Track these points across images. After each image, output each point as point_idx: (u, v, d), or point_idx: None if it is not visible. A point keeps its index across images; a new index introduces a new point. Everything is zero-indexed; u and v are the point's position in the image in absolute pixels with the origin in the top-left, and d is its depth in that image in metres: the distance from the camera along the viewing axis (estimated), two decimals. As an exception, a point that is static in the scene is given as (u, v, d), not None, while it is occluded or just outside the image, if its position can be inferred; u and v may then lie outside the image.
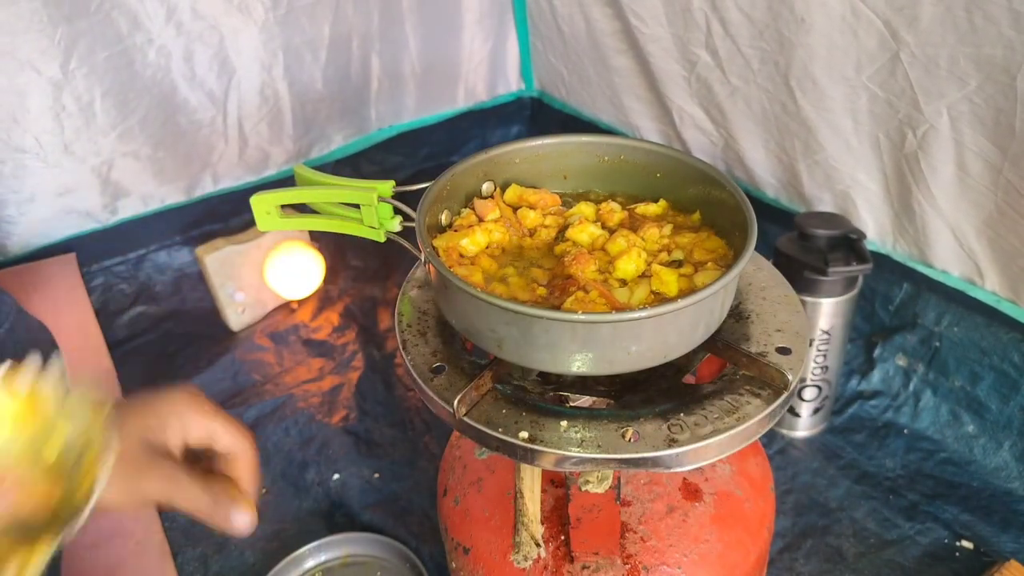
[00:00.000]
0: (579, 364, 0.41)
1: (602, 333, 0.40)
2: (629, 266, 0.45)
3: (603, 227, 0.49)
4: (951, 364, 0.81)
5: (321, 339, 1.00)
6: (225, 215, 0.98)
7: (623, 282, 0.44)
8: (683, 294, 0.42)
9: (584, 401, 0.47)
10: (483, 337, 0.42)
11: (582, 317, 0.39)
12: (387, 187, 0.48)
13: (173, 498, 0.45)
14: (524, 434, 0.42)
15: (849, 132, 0.79)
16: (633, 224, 0.49)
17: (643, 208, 0.50)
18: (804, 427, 0.86)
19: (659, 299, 0.43)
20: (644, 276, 0.45)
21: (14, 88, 0.70)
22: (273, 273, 0.99)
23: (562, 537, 0.51)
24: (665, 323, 0.40)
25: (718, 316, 0.45)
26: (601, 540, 0.50)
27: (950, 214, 0.75)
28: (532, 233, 0.49)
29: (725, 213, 0.47)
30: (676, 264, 0.46)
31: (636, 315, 0.39)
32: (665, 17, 0.89)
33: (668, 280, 0.43)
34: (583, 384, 0.47)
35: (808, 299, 0.77)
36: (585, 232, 0.48)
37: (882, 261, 0.82)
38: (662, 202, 0.51)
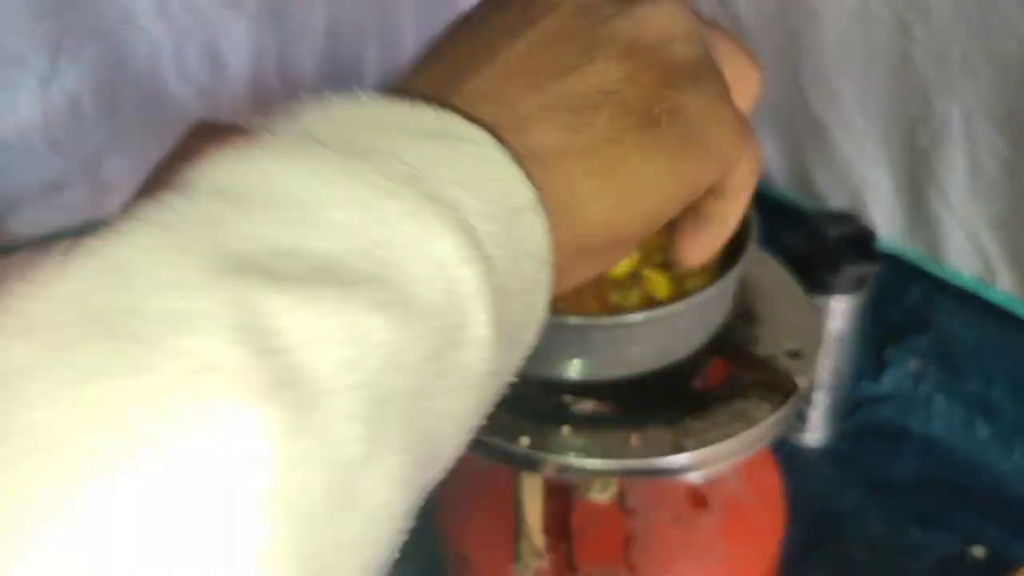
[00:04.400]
0: (574, 369, 0.40)
1: (596, 338, 0.39)
2: (621, 266, 0.44)
3: None
4: (964, 367, 0.81)
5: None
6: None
7: (617, 283, 0.44)
8: (674, 298, 0.42)
9: (587, 406, 0.45)
10: None
11: (576, 321, 0.38)
12: None
13: None
14: (525, 440, 0.41)
15: (860, 128, 0.78)
16: None
17: None
18: (813, 432, 0.85)
19: (652, 302, 0.43)
20: (638, 277, 0.44)
21: (1, 83, 0.69)
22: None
23: (564, 546, 0.49)
24: (661, 327, 0.40)
25: (718, 319, 0.44)
26: (605, 550, 0.49)
27: (963, 213, 0.74)
28: None
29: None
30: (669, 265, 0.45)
31: (631, 319, 0.38)
32: (670, 10, 0.89)
33: (659, 283, 0.43)
34: (585, 389, 0.46)
35: (818, 300, 0.76)
36: None
37: (893, 261, 0.82)
38: None
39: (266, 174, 0.17)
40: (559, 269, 0.21)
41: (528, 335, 0.21)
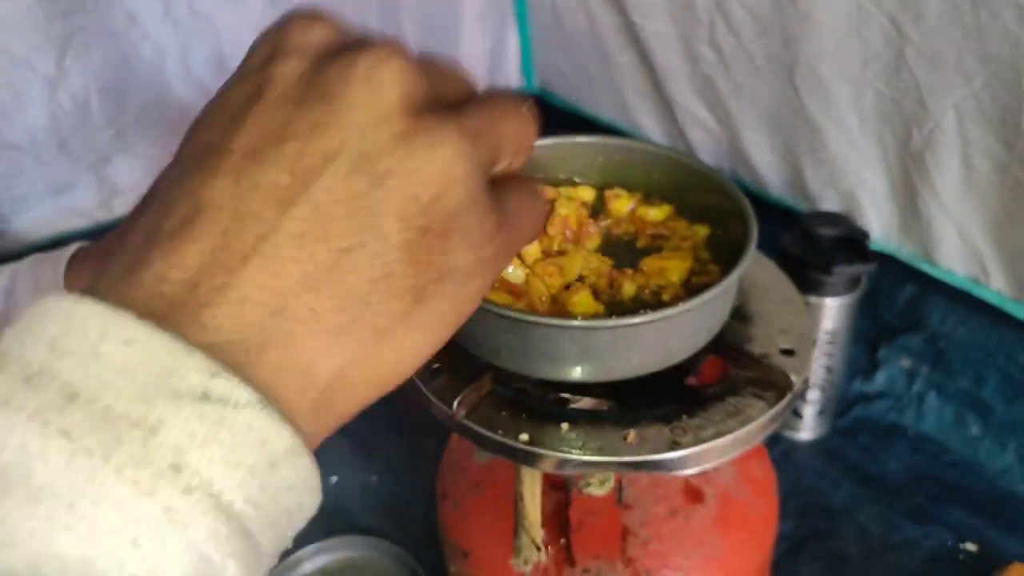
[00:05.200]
0: (578, 372, 0.40)
1: (599, 340, 0.39)
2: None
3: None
4: (956, 365, 0.81)
5: (320, 338, 0.99)
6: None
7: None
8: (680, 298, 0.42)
9: (585, 403, 0.46)
10: (478, 346, 0.42)
11: (579, 324, 0.38)
12: None
13: None
14: (524, 436, 0.41)
15: (854, 130, 0.78)
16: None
17: (643, 211, 0.50)
18: (807, 429, 0.85)
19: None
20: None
21: (8, 85, 0.69)
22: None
23: (562, 541, 0.50)
24: (665, 328, 0.40)
25: (720, 319, 0.44)
26: (602, 544, 0.49)
27: (956, 213, 0.74)
28: None
29: (725, 215, 0.46)
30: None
31: (634, 321, 0.38)
32: (667, 13, 0.88)
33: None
34: (584, 386, 0.46)
35: (812, 299, 0.76)
36: (567, 206, 0.47)
37: (887, 260, 0.82)
38: (666, 207, 0.50)
39: (24, 450, 0.18)
40: (327, 432, 0.23)
41: (300, 524, 0.22)
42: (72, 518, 0.17)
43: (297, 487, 0.21)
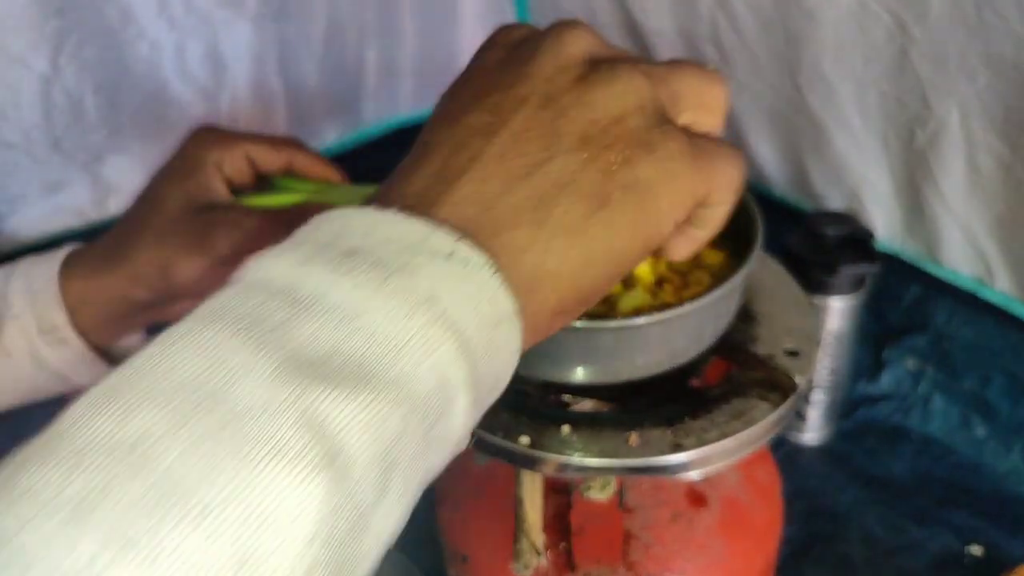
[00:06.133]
0: (581, 373, 0.40)
1: (603, 341, 0.39)
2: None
3: None
4: (961, 366, 0.80)
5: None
6: (221, 213, 0.96)
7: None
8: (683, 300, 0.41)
9: (586, 405, 0.45)
10: None
11: (582, 324, 0.38)
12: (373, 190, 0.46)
13: (242, 237, 0.45)
14: (524, 439, 0.41)
15: (858, 129, 0.78)
16: None
17: None
18: (812, 432, 0.85)
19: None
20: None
21: (2, 83, 0.69)
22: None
23: (563, 545, 0.49)
24: (669, 329, 0.40)
25: (725, 320, 0.44)
26: (604, 548, 0.49)
27: (960, 213, 0.74)
28: None
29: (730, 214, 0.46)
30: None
31: (637, 322, 0.38)
32: (669, 10, 0.88)
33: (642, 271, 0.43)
34: (585, 388, 0.46)
35: (817, 299, 0.76)
36: None
37: (891, 260, 0.81)
38: None
39: (320, 284, 0.23)
40: (534, 331, 0.27)
41: (497, 395, 0.27)
42: (354, 326, 0.22)
43: (506, 352, 0.26)
